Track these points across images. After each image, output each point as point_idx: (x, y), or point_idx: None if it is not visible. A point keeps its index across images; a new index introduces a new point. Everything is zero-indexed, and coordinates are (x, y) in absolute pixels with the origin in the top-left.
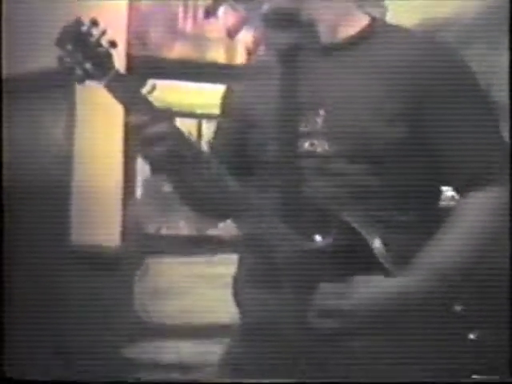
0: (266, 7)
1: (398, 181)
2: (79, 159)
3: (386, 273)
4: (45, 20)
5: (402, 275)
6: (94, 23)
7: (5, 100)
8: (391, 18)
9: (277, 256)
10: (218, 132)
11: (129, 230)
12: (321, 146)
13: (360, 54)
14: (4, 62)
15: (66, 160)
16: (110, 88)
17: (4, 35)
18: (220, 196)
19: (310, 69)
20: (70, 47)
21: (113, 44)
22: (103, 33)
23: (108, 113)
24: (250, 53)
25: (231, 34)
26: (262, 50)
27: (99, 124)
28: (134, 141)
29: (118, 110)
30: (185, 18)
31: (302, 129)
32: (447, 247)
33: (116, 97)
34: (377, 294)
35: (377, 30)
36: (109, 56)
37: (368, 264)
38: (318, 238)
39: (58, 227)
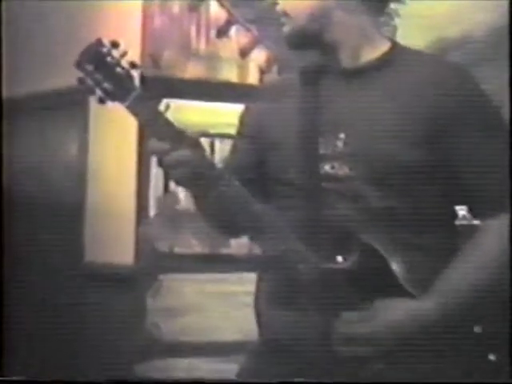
0: (287, 28)
1: (417, 203)
2: (93, 178)
3: (407, 295)
4: (56, 40)
5: (422, 298)
6: (115, 44)
7: (17, 119)
8: (401, 37)
9: (298, 276)
10: (234, 152)
11: (142, 248)
12: (341, 169)
13: (381, 78)
14: (14, 81)
15: (79, 178)
16: (133, 109)
17: (13, 54)
18: (241, 214)
19: (331, 91)
20: (90, 68)
21: (133, 65)
22: (124, 54)
23: (121, 131)
24: (262, 72)
25: (244, 53)
26: (275, 70)
27: (113, 143)
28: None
29: (131, 128)
30: (198, 37)
31: (323, 151)
32: (467, 271)
33: (138, 118)
34: (397, 318)
35: (397, 54)
36: (130, 77)
37: (389, 285)
38: (339, 258)
39: (72, 245)
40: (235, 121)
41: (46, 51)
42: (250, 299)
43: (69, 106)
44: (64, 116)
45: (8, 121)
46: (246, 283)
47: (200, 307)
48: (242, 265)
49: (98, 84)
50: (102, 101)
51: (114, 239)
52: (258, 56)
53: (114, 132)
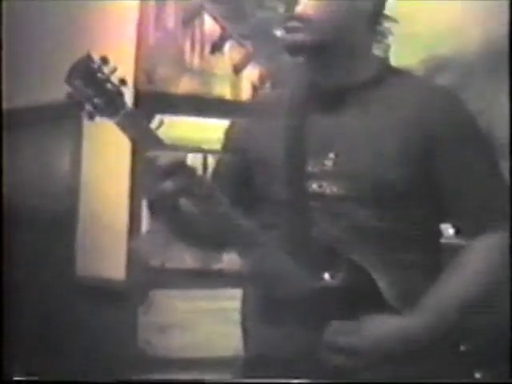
0: (305, 36)
1: (404, 222)
2: (85, 192)
3: (393, 312)
4: (52, 54)
5: (408, 315)
6: (104, 60)
7: (11, 131)
8: (394, 55)
9: (286, 293)
10: (218, 166)
11: (134, 262)
12: (329, 188)
13: (371, 98)
14: (9, 94)
15: (72, 192)
16: (122, 125)
17: (8, 68)
18: (229, 231)
19: (321, 110)
20: (79, 83)
21: (123, 82)
22: (114, 70)
23: (115, 146)
24: (255, 88)
25: (237, 69)
26: (268, 86)
27: (106, 157)
28: (143, 178)
29: (125, 143)
30: (192, 53)
31: (311, 170)
32: (453, 290)
33: (127, 134)
34: (382, 333)
35: (387, 74)
36: (120, 93)
37: (375, 303)
38: (326, 276)
39: (63, 259)
40: None
41: (44, 63)
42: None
43: (63, 120)
44: (58, 129)
45: (7, 132)
46: (236, 299)
47: (191, 323)
48: (233, 281)
49: (88, 99)
50: (91, 116)
51: (105, 253)
52: (252, 72)
53: (108, 146)
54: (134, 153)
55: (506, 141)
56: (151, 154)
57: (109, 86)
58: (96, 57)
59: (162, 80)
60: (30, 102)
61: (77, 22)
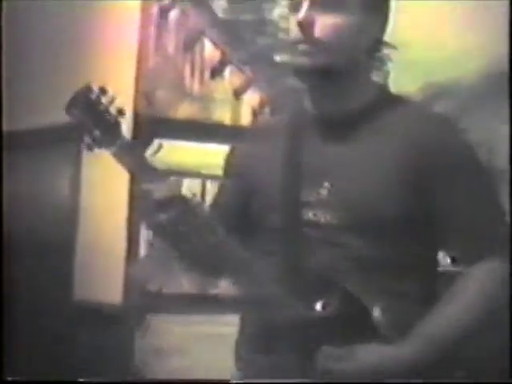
0: (317, 60)
1: (399, 251)
2: (84, 216)
3: (386, 340)
4: (53, 77)
5: (400, 344)
6: (103, 91)
7: (10, 154)
8: (393, 82)
9: (277, 320)
10: (221, 193)
11: (131, 287)
12: (324, 217)
13: (368, 126)
14: (8, 117)
15: (71, 217)
16: (118, 156)
17: (8, 91)
18: (223, 259)
19: (319, 138)
20: (79, 114)
21: (121, 112)
22: (112, 100)
23: (114, 171)
24: (255, 114)
25: (237, 94)
26: (267, 111)
27: (105, 181)
28: (140, 207)
29: (123, 169)
30: (192, 78)
31: (306, 198)
32: (446, 318)
33: (123, 164)
34: (374, 360)
35: (384, 101)
36: (117, 124)
37: (368, 332)
38: (318, 307)
39: (61, 283)
40: None
41: (46, 86)
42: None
43: (63, 143)
44: (58, 152)
45: (7, 155)
46: (233, 325)
47: (187, 348)
48: (230, 306)
49: (86, 131)
50: (89, 148)
51: (103, 278)
52: (252, 97)
53: (107, 171)
54: (133, 179)
55: (507, 168)
56: (146, 186)
57: (107, 116)
58: (95, 87)
59: (162, 104)
60: (31, 125)
61: (78, 46)
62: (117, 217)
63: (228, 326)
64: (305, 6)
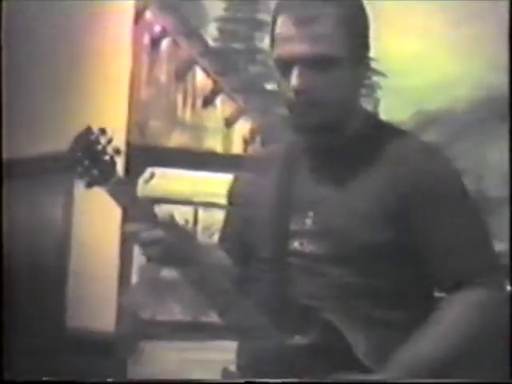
0: (314, 120)
1: (381, 281)
2: (76, 244)
3: (365, 369)
4: (45, 108)
5: (379, 372)
6: (103, 132)
7: (11, 182)
8: (383, 110)
9: (258, 349)
10: (228, 222)
11: (124, 315)
12: (309, 246)
13: (352, 155)
14: (4, 146)
15: (63, 244)
16: (112, 193)
17: (4, 120)
18: (210, 292)
19: (308, 168)
20: (80, 156)
21: (117, 152)
22: (110, 141)
23: (106, 199)
24: (246, 143)
25: (229, 123)
26: (258, 140)
27: (97, 209)
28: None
29: None
30: (184, 107)
31: (294, 228)
32: (425, 346)
33: (117, 201)
34: None
35: (370, 129)
36: (113, 163)
37: (347, 361)
38: (297, 338)
39: (54, 310)
40: (219, 190)
41: (44, 115)
42: (231, 368)
43: (57, 173)
44: (53, 181)
45: (7, 183)
46: (225, 351)
47: (180, 374)
48: (222, 333)
49: (86, 170)
50: (88, 185)
51: (95, 305)
52: (243, 126)
53: (99, 200)
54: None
55: (497, 193)
56: (132, 227)
57: (104, 157)
58: (95, 129)
59: (154, 133)
60: (28, 153)
61: (72, 76)
62: (109, 246)
63: (221, 352)
64: (296, 70)
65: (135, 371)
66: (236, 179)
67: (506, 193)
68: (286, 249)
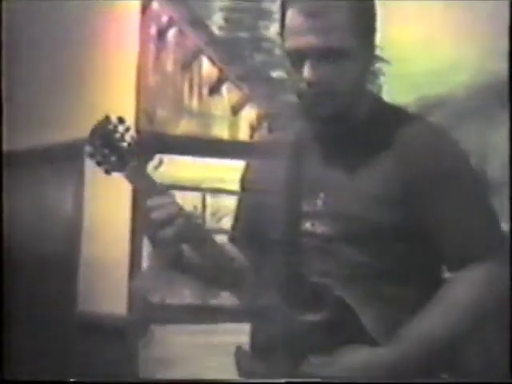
0: (328, 109)
1: (391, 260)
2: (88, 230)
3: (375, 345)
4: (53, 96)
5: (388, 346)
6: (121, 120)
7: (12, 173)
8: (386, 95)
9: (272, 328)
10: (240, 208)
11: (134, 299)
12: (320, 227)
13: (361, 138)
14: (10, 136)
15: (74, 231)
16: (130, 178)
17: (5, 111)
18: (221, 271)
19: (318, 151)
20: (99, 144)
21: (134, 139)
22: (127, 129)
23: (116, 186)
24: (253, 129)
25: (235, 110)
26: (265, 126)
27: (108, 196)
28: (143, 223)
29: (126, 184)
30: (190, 95)
31: (306, 209)
32: (433, 322)
33: (135, 185)
34: (357, 362)
35: (378, 112)
36: (131, 150)
37: (358, 336)
38: (309, 313)
39: (65, 296)
40: (226, 176)
41: (46, 105)
42: (245, 347)
43: (65, 161)
44: (60, 171)
45: (8, 174)
46: (234, 333)
47: (190, 357)
48: (231, 316)
49: (105, 158)
50: (107, 171)
51: (107, 290)
52: (249, 113)
53: (110, 186)
54: (135, 192)
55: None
56: (150, 202)
57: (122, 144)
58: (114, 118)
59: (162, 121)
60: (31, 144)
61: (79, 65)
62: (120, 230)
63: (230, 334)
64: (308, 63)
65: (146, 354)
66: (247, 166)
67: (505, 178)
68: (298, 229)
